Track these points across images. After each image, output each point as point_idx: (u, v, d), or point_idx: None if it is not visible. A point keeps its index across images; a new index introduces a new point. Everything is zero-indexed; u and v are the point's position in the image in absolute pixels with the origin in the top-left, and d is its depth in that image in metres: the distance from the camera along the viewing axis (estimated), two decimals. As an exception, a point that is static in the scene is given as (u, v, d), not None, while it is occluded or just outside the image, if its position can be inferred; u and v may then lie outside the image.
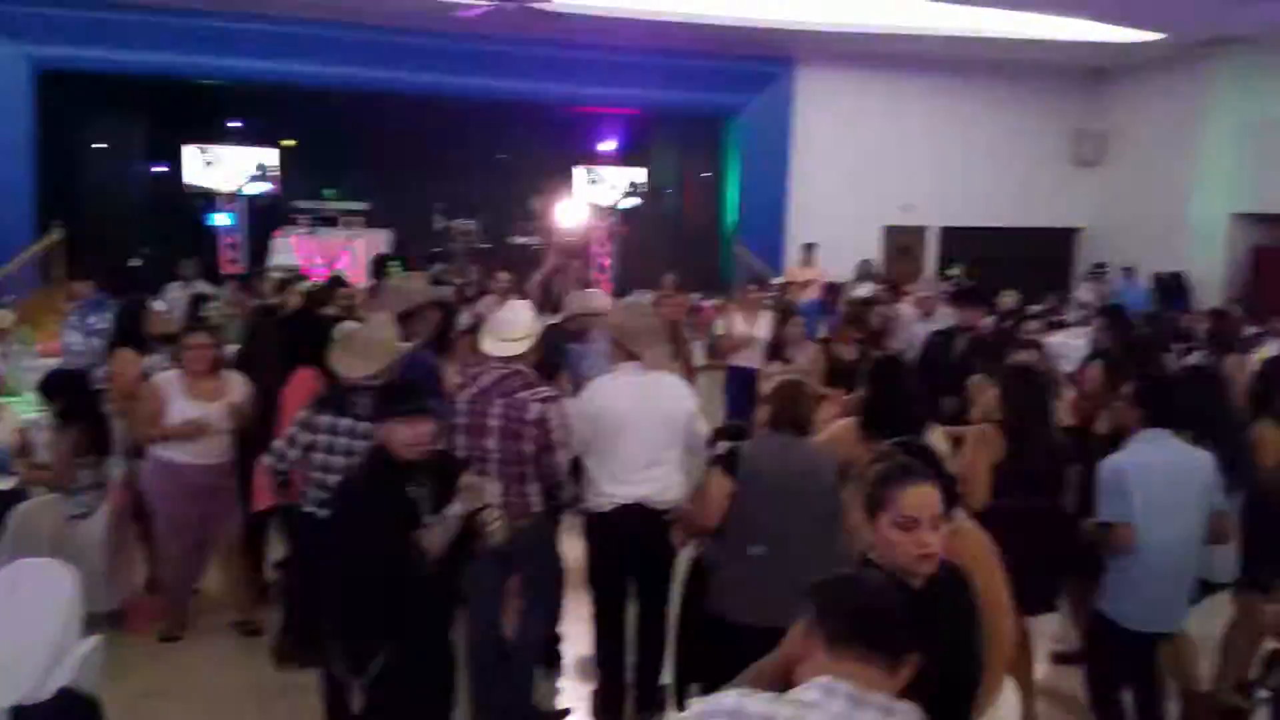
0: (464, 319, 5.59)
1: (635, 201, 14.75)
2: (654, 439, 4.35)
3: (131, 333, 5.83)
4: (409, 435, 3.43)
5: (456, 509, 3.47)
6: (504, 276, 9.08)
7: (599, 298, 6.15)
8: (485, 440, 4.14)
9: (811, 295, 10.15)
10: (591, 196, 14.55)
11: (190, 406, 5.00)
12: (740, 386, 7.75)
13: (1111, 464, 4.02)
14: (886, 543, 2.39)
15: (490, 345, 4.31)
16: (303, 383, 4.83)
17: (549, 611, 4.66)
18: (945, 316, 7.96)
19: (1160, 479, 3.95)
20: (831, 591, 2.03)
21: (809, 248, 13.35)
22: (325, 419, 4.23)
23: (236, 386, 5.21)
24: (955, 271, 12.05)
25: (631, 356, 4.52)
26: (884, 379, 4.30)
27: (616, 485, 4.35)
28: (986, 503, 4.10)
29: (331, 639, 3.52)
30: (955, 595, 2.48)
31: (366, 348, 4.40)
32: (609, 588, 4.56)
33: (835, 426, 4.30)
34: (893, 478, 2.44)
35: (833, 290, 9.81)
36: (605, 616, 4.59)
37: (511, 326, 4.34)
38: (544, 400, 4.18)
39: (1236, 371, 5.94)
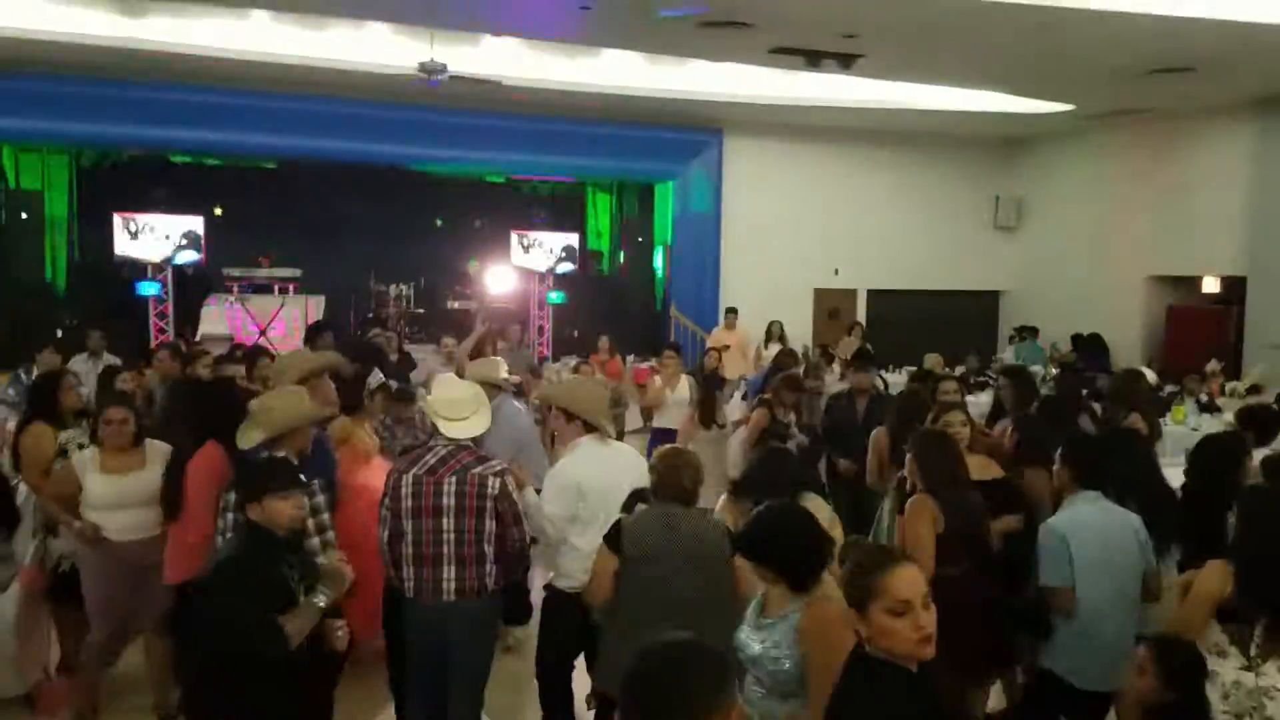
0: (373, 379, 5.57)
1: (570, 267, 14.89)
2: (612, 512, 4.20)
3: (47, 407, 5.61)
4: (290, 510, 3.44)
5: (320, 598, 3.41)
6: (449, 342, 9.05)
7: (496, 366, 6.07)
8: (440, 521, 4.04)
9: (736, 360, 10.30)
10: (526, 262, 14.67)
11: (107, 482, 4.85)
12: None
13: (1049, 528, 4.09)
14: (884, 632, 2.33)
15: (447, 429, 4.20)
16: (206, 456, 4.69)
17: (480, 693, 4.62)
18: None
19: (1095, 539, 4.02)
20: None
21: (730, 312, 13.45)
22: (230, 497, 4.17)
23: (158, 455, 4.99)
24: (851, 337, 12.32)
25: (589, 429, 4.47)
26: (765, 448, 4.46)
27: (584, 558, 4.18)
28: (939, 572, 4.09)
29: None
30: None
31: (263, 417, 4.36)
32: (564, 661, 4.58)
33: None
34: (877, 564, 2.39)
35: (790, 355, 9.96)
36: (555, 690, 4.58)
37: (459, 406, 4.24)
38: (498, 474, 4.12)
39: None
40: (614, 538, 3.83)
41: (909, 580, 2.34)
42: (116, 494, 4.86)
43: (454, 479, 4.07)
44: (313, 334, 8.60)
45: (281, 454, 4.25)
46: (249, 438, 4.33)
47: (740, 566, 3.83)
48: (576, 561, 4.29)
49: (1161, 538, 4.29)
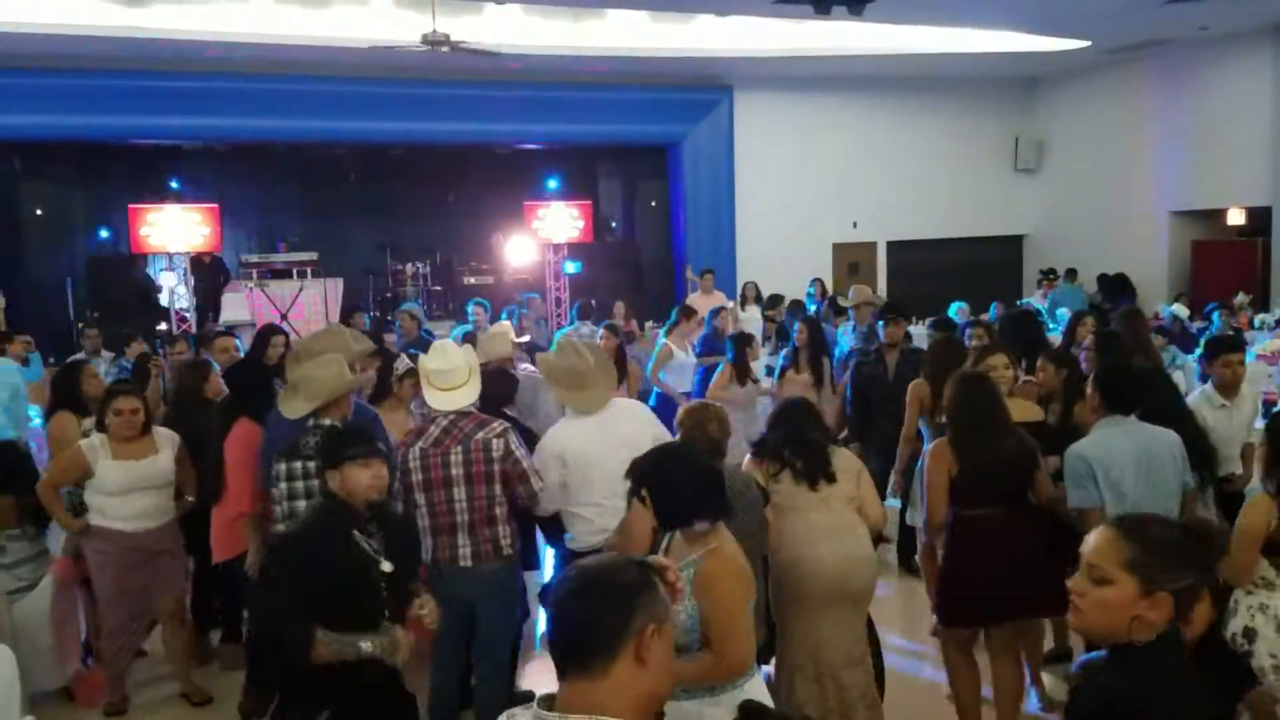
0: (400, 364, 5.53)
1: (585, 235, 14.79)
2: (616, 473, 4.22)
3: (69, 396, 5.75)
4: (368, 478, 3.34)
5: (367, 647, 3.27)
6: (479, 312, 9.14)
7: (500, 341, 6.03)
8: (450, 491, 4.07)
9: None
10: (542, 233, 14.58)
11: (121, 468, 4.87)
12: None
13: (1074, 452, 4.08)
14: None
15: (434, 399, 4.22)
16: (243, 432, 4.80)
17: (509, 659, 4.61)
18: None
19: (1128, 461, 3.99)
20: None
21: (704, 274, 12.40)
22: (281, 467, 4.23)
23: (168, 442, 5.06)
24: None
25: (575, 397, 4.43)
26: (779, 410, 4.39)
27: (591, 523, 4.26)
28: (959, 512, 4.20)
29: (284, 693, 3.41)
30: None
31: (307, 387, 4.35)
32: None
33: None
34: None
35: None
36: None
37: (448, 375, 4.24)
38: (500, 435, 4.13)
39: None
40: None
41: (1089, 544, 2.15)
42: (130, 479, 4.89)
43: (459, 449, 4.09)
44: (347, 315, 8.71)
45: (327, 421, 4.26)
46: (293, 408, 4.33)
47: (771, 520, 3.79)
48: (583, 525, 4.32)
49: (1198, 467, 4.26)
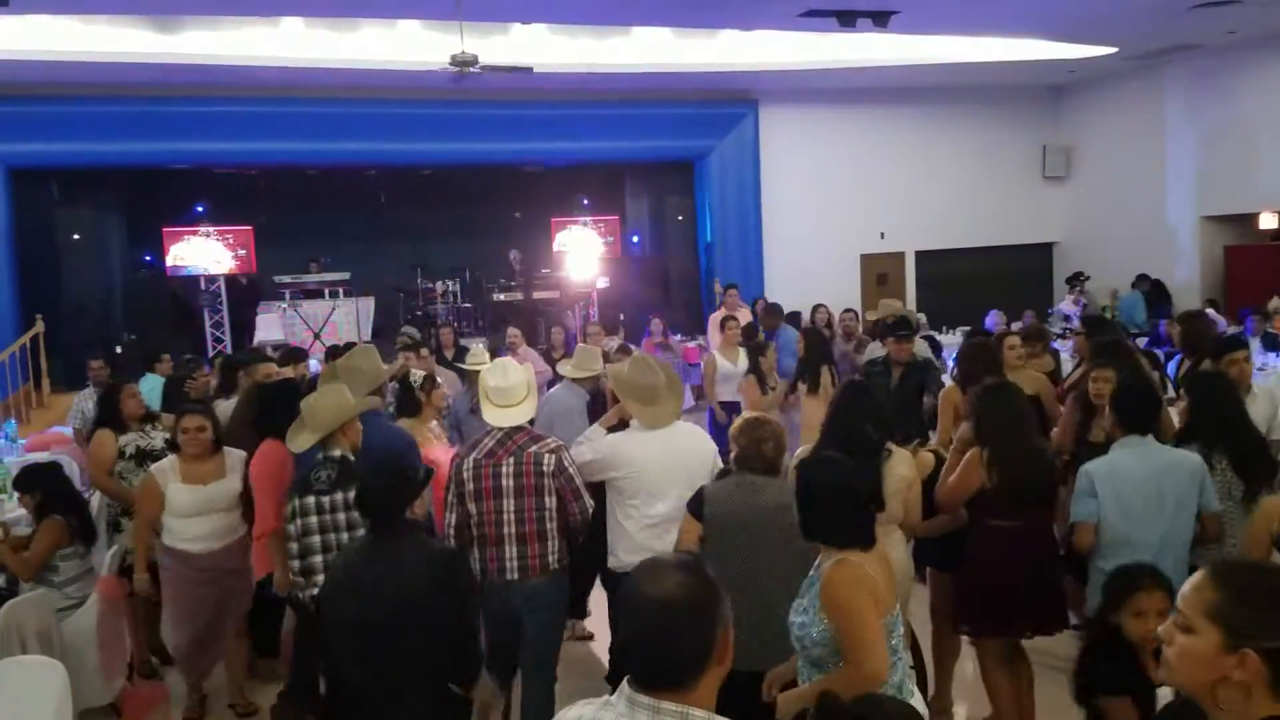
0: (414, 376, 5.63)
1: (613, 251, 14.88)
2: (674, 493, 4.20)
3: (112, 415, 5.93)
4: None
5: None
6: (514, 332, 9.20)
7: (595, 357, 6.06)
8: (500, 502, 4.12)
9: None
10: (571, 249, 14.67)
11: (190, 492, 4.99)
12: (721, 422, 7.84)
13: (1083, 469, 4.11)
14: None
15: (492, 415, 4.26)
16: (263, 454, 4.81)
17: (553, 660, 4.63)
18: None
19: (1135, 482, 3.98)
20: None
21: (728, 289, 11.82)
22: (295, 503, 4.17)
23: (237, 463, 5.13)
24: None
25: (646, 411, 4.43)
26: (842, 406, 4.33)
27: (633, 540, 4.28)
28: (980, 521, 4.25)
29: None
30: None
31: (312, 418, 4.36)
32: None
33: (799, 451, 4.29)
34: None
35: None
36: (620, 670, 4.59)
37: (508, 394, 4.28)
38: (553, 451, 4.18)
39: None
40: (696, 504, 3.82)
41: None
42: (199, 502, 5.00)
43: (511, 460, 4.14)
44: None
45: (337, 453, 4.28)
46: (299, 441, 4.36)
47: None
48: (627, 544, 4.33)
49: (1252, 480, 4.21)
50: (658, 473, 4.27)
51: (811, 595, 2.96)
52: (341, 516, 4.13)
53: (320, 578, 4.02)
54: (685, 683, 1.74)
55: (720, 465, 4.42)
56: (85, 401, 7.99)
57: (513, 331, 9.25)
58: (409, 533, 3.42)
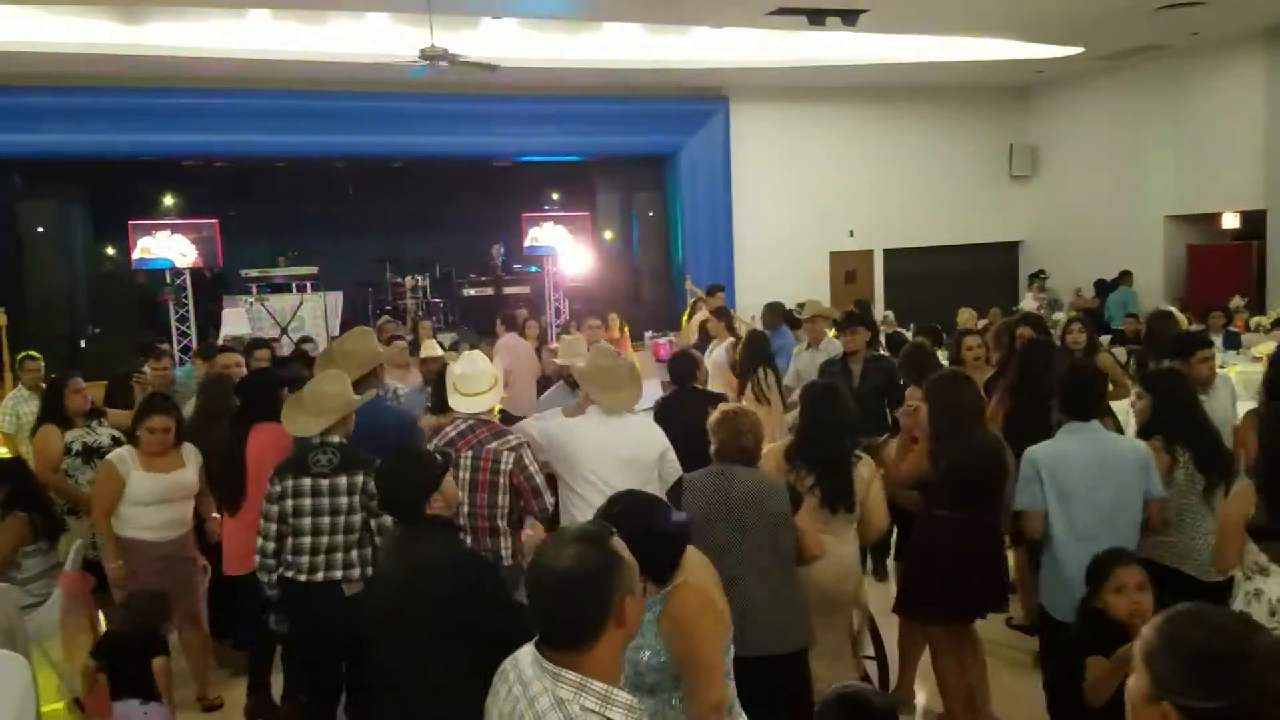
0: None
1: (585, 245, 14.87)
2: (611, 483, 4.09)
3: (56, 410, 5.94)
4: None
5: None
6: (594, 323, 8.93)
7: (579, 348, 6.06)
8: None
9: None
10: (540, 245, 14.65)
11: (153, 480, 5.01)
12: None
13: (1026, 455, 4.13)
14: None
15: (457, 402, 4.27)
16: (273, 436, 4.74)
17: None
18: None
19: (1079, 468, 4.00)
20: None
21: (713, 291, 11.05)
22: (288, 484, 4.14)
23: (193, 455, 5.21)
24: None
25: (610, 396, 4.43)
26: (813, 410, 4.36)
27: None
28: (927, 511, 4.39)
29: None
30: None
31: (316, 404, 4.34)
32: None
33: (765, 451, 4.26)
34: None
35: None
36: None
37: (475, 381, 4.30)
38: (514, 449, 4.15)
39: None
40: (675, 495, 3.83)
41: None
42: (161, 490, 5.02)
43: (470, 454, 4.14)
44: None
45: (336, 439, 4.26)
46: (302, 425, 4.29)
47: (803, 529, 3.80)
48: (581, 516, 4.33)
49: (1211, 473, 4.27)
50: (594, 460, 4.24)
51: (647, 620, 2.75)
52: (343, 500, 4.12)
53: (306, 559, 4.09)
54: (583, 644, 1.89)
55: (673, 458, 4.41)
56: (22, 404, 7.12)
57: (592, 322, 8.95)
58: (434, 532, 3.29)
